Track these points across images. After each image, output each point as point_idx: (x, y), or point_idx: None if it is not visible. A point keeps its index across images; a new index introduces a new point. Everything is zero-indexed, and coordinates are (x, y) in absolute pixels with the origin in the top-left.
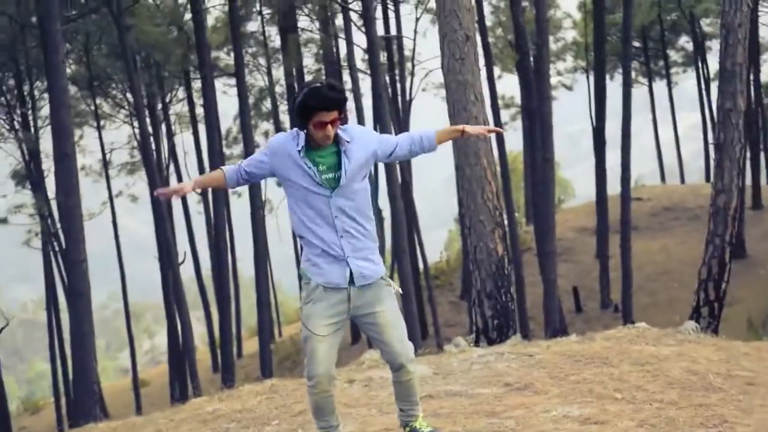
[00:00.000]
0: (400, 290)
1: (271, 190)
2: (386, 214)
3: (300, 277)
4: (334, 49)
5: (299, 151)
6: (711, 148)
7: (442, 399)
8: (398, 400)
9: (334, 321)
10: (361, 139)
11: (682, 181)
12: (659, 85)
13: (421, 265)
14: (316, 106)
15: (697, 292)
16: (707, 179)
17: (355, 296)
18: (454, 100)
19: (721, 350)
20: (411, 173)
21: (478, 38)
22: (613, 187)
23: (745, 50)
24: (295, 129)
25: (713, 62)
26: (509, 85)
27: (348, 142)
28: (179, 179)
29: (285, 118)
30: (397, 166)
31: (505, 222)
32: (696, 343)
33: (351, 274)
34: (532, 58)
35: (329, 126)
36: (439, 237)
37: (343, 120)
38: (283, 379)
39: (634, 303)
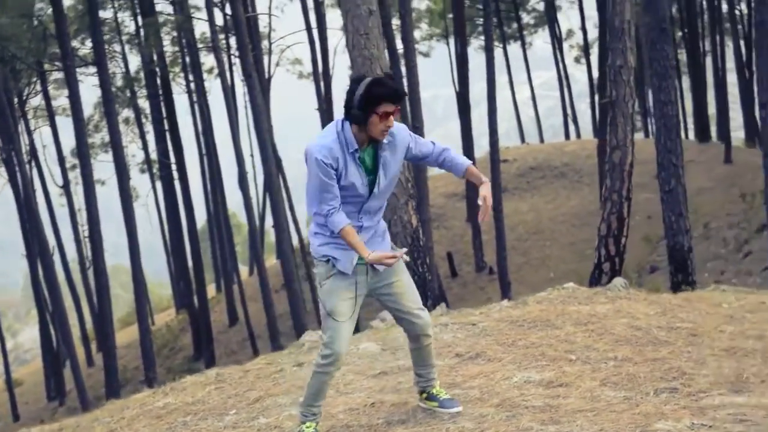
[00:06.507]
0: (406, 257)
1: (136, 179)
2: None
3: (308, 252)
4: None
5: (354, 152)
6: (567, 105)
7: (398, 374)
8: (417, 366)
9: (354, 297)
10: (399, 135)
11: (541, 139)
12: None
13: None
14: (383, 94)
15: (597, 248)
16: (566, 137)
17: (372, 272)
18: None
19: (654, 304)
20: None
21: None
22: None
23: (632, 7)
24: (330, 130)
25: (563, 22)
26: None
27: (386, 143)
28: (40, 173)
29: (145, 104)
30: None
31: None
32: (628, 299)
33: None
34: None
35: (391, 117)
36: None
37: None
38: (226, 368)
39: (508, 263)
